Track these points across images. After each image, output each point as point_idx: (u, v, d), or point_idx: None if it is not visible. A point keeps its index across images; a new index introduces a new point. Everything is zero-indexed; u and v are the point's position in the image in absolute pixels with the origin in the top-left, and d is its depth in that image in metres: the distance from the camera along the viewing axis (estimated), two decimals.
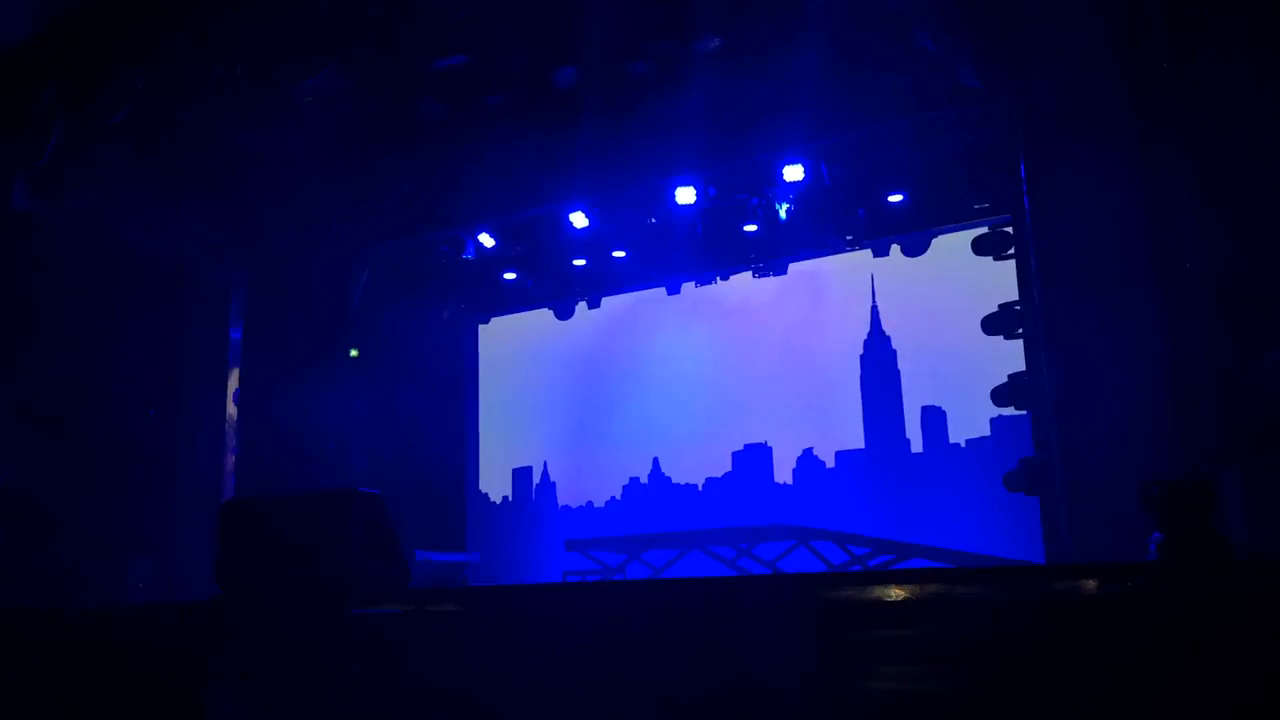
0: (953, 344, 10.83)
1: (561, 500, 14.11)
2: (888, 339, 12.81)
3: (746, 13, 7.95)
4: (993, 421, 11.30)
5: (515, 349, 13.62)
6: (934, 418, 12.44)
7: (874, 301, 12.65)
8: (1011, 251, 9.31)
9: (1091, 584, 2.89)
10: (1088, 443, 6.70)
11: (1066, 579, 3.06)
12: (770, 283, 11.57)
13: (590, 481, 13.75)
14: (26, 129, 8.02)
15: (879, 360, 12.71)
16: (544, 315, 12.80)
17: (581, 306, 12.54)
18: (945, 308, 10.95)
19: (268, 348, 10.80)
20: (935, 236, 10.47)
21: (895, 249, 10.73)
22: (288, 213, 10.46)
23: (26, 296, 8.86)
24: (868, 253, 10.93)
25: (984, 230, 9.77)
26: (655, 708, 3.04)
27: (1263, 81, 5.27)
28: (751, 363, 12.49)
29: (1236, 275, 5.43)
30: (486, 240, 11.00)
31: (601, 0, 7.84)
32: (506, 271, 12.00)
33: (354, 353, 11.62)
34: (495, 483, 13.80)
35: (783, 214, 10.23)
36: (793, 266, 11.40)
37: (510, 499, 14.28)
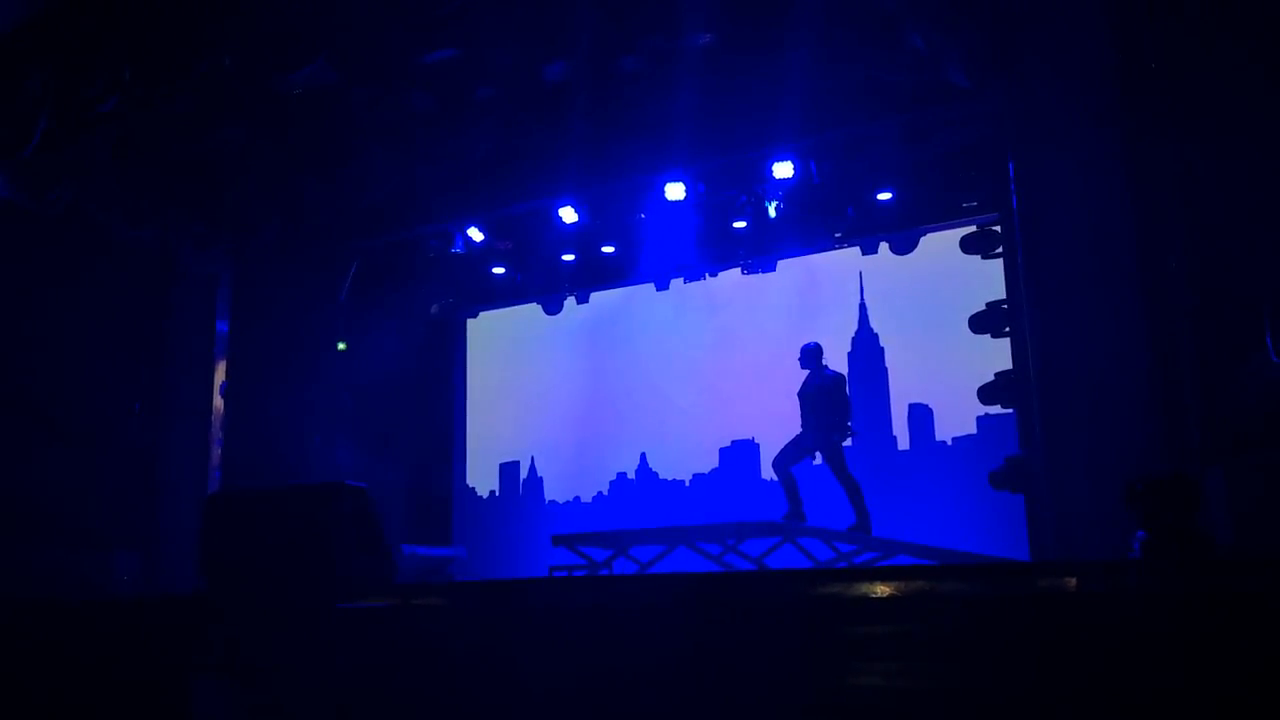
0: (940, 342, 10.85)
1: (548, 495, 14.09)
2: (875, 336, 12.81)
3: (738, 9, 7.95)
4: (979, 420, 11.31)
5: (503, 343, 13.60)
6: (920, 415, 12.45)
7: (862, 299, 12.65)
8: (999, 250, 9.35)
9: (1075, 581, 2.90)
10: (1073, 441, 6.73)
11: (1050, 576, 3.07)
12: (759, 279, 11.58)
13: (577, 477, 13.72)
14: (11, 118, 7.96)
15: (866, 357, 12.72)
16: (532, 310, 12.79)
17: (570, 302, 12.53)
18: (933, 306, 10.97)
19: (254, 341, 10.76)
20: (924, 235, 10.50)
21: (884, 247, 10.76)
22: (275, 205, 10.42)
23: (9, 287, 8.80)
24: (856, 250, 10.95)
25: (972, 229, 9.81)
26: (641, 702, 3.05)
27: (1252, 82, 5.29)
28: (740, 360, 12.48)
29: (1222, 275, 5.46)
30: (475, 235, 10.98)
31: None
32: (495, 266, 11.98)
33: (341, 346, 11.59)
34: (482, 477, 13.78)
35: (772, 211, 10.24)
36: (781, 263, 11.41)
37: (497, 493, 14.24)
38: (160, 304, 10.52)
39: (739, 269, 11.46)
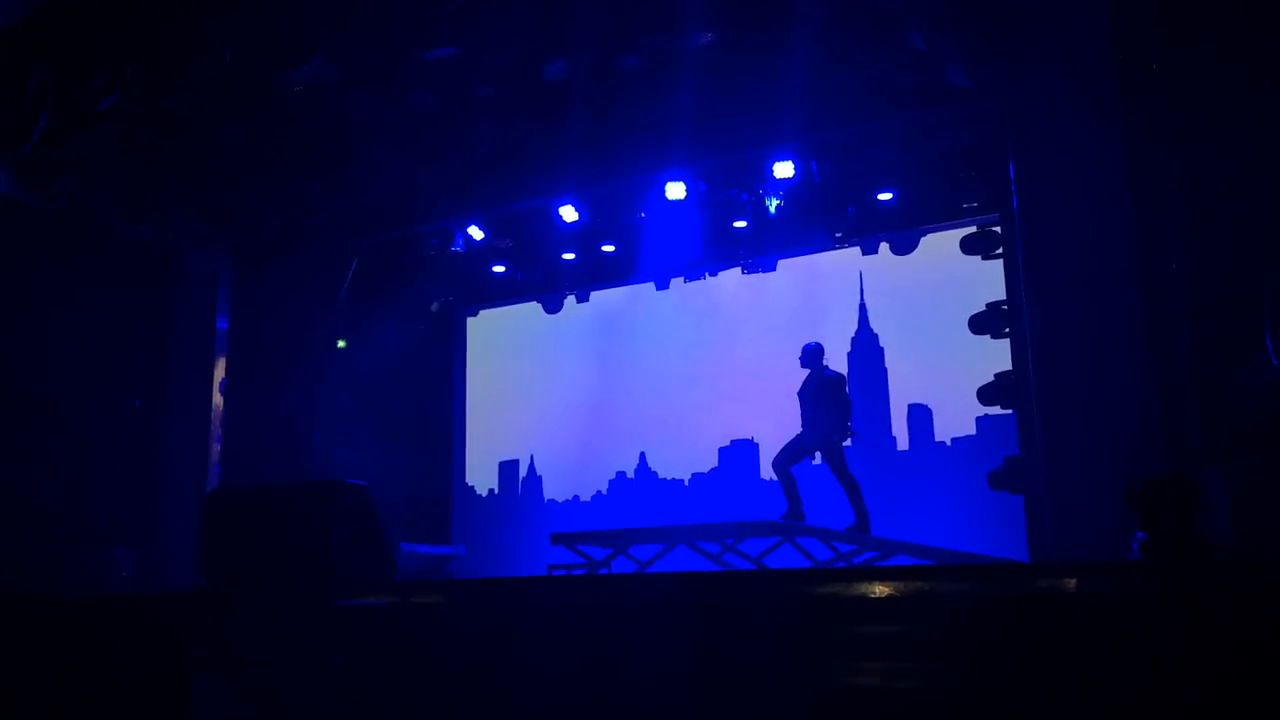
0: (940, 342, 10.86)
1: (548, 494, 14.10)
2: (875, 336, 12.81)
3: (738, 9, 7.95)
4: (978, 420, 11.32)
5: (503, 342, 13.61)
6: (920, 415, 12.46)
7: (862, 299, 12.66)
8: (999, 251, 9.35)
9: (1074, 582, 2.90)
10: (1072, 442, 6.74)
11: (1049, 577, 3.07)
12: (759, 279, 11.58)
13: (577, 476, 13.73)
14: (13, 114, 7.96)
15: (866, 358, 12.72)
16: (532, 308, 12.80)
17: (570, 300, 12.53)
18: (933, 306, 10.98)
19: (254, 338, 10.76)
20: (924, 235, 10.50)
21: (884, 247, 10.76)
22: (276, 203, 10.42)
23: (9, 284, 8.80)
24: (856, 250, 10.95)
25: (972, 229, 9.80)
26: (639, 701, 3.05)
27: (1252, 84, 5.30)
28: (739, 359, 12.49)
29: (1222, 276, 5.46)
30: (475, 233, 10.98)
31: None
32: (495, 264, 11.98)
33: (341, 343, 11.60)
34: (482, 475, 13.79)
35: (772, 210, 10.23)
36: (782, 263, 11.41)
37: (496, 492, 14.25)
38: (161, 301, 10.53)
39: (739, 268, 11.46)
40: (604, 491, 13.47)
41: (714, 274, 11.90)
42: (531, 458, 14.26)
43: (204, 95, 8.31)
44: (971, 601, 2.88)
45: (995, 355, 9.17)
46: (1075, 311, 6.85)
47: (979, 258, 9.67)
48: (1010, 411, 9.04)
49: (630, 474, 13.38)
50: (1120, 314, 6.55)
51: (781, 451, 9.05)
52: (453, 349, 13.10)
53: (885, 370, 12.61)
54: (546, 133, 9.31)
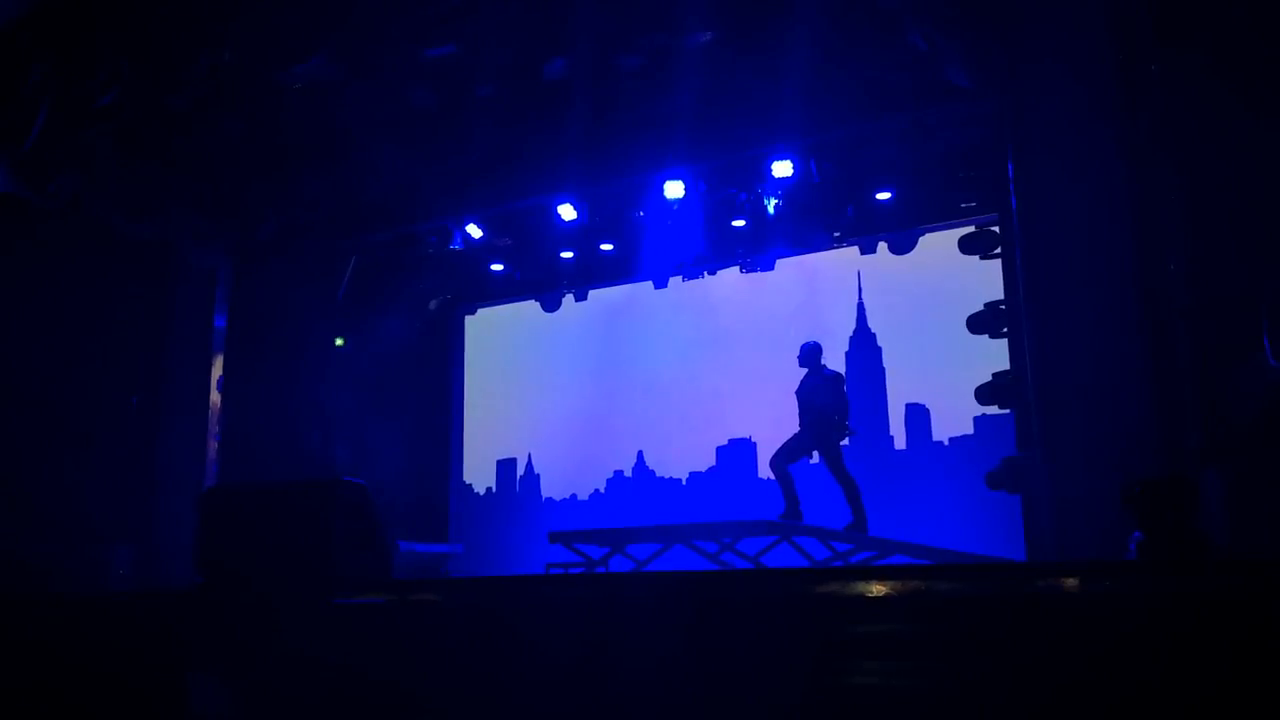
0: (938, 342, 10.89)
1: (546, 492, 14.12)
2: (873, 336, 12.83)
3: (738, 8, 7.95)
4: (976, 420, 11.35)
5: (501, 340, 13.61)
6: (918, 415, 12.48)
7: (860, 299, 12.68)
8: (998, 251, 9.34)
9: (1072, 582, 2.91)
10: (1070, 442, 6.73)
11: (1047, 577, 3.07)
12: (757, 278, 11.58)
13: (574, 474, 13.76)
14: (12, 111, 7.95)
15: (864, 357, 12.73)
16: (531, 307, 12.80)
17: (568, 299, 12.52)
18: (931, 306, 11.00)
19: (252, 336, 10.75)
20: (922, 235, 10.51)
21: (882, 246, 10.76)
22: (275, 201, 10.41)
23: (7, 280, 8.79)
24: (855, 250, 10.95)
25: (971, 229, 9.80)
26: (637, 700, 3.05)
27: (1250, 86, 5.30)
28: (737, 358, 12.51)
29: (1220, 277, 5.46)
30: (474, 231, 10.97)
31: None
32: (494, 263, 11.98)
33: (340, 341, 11.59)
34: (479, 474, 13.80)
35: (771, 210, 10.23)
36: (780, 262, 11.41)
37: (494, 490, 14.27)
38: (159, 299, 10.51)
39: (738, 268, 11.45)
40: (602, 490, 13.50)
41: (712, 273, 11.89)
42: (529, 456, 14.30)
43: (203, 92, 8.31)
44: (968, 601, 2.88)
45: (993, 355, 9.16)
46: (1074, 311, 6.84)
47: (977, 257, 9.66)
48: (1008, 411, 9.05)
49: (628, 473, 13.40)
50: (1119, 314, 6.55)
51: (779, 451, 9.05)
52: (451, 347, 13.10)
53: (883, 370, 12.64)
54: (546, 132, 9.30)
